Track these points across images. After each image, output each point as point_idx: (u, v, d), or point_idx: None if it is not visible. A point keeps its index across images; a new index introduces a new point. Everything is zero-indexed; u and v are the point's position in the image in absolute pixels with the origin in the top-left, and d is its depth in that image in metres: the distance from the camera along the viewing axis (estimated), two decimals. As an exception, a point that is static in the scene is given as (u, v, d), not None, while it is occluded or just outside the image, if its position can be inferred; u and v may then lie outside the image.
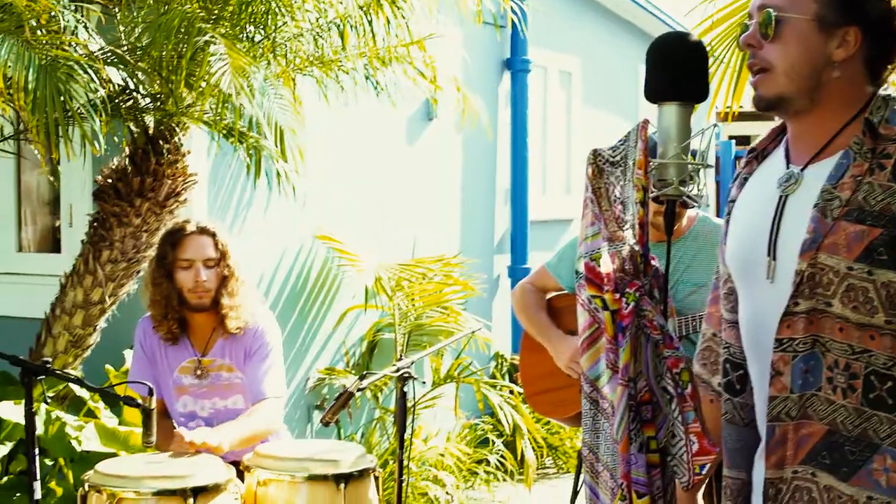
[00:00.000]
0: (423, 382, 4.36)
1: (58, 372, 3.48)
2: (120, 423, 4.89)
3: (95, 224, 4.86)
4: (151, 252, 4.88)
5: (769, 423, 2.20)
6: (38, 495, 3.37)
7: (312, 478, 3.61)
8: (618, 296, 2.35)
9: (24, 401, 3.45)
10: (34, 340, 5.08)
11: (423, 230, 7.30)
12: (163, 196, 4.74)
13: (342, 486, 3.59)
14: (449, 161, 7.71)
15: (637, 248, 2.37)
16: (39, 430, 4.72)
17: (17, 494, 4.68)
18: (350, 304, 6.65)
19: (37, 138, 3.96)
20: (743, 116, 6.76)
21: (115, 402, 5.15)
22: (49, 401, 4.75)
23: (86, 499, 3.46)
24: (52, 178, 5.54)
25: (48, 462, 4.83)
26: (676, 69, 2.37)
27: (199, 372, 4.09)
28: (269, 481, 3.62)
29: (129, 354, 5.14)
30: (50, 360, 3.45)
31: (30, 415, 3.43)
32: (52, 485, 4.73)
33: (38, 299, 5.44)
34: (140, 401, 3.40)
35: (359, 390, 3.67)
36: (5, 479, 4.77)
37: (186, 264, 4.03)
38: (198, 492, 3.38)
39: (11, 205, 5.99)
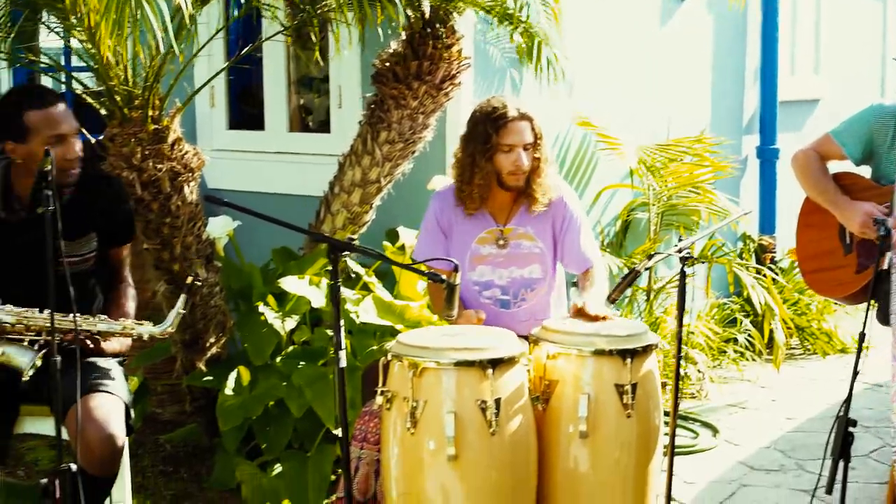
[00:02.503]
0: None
1: (362, 247, 3.67)
2: (395, 297, 5.13)
3: (373, 106, 5.05)
4: (427, 133, 5.08)
5: None
6: (343, 363, 3.61)
7: (598, 352, 3.74)
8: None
9: (327, 276, 3.62)
10: (313, 217, 5.35)
11: (675, 112, 7.29)
12: (439, 79, 4.89)
13: (628, 360, 3.71)
14: (699, 42, 7.65)
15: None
16: (321, 303, 5.01)
17: (301, 363, 4.97)
18: (604, 185, 6.74)
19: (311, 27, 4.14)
20: None
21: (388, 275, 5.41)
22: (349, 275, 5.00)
23: (388, 367, 3.68)
24: (321, 62, 5.76)
25: (329, 333, 5.10)
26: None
27: (500, 242, 4.25)
28: (558, 355, 3.77)
29: (403, 231, 5.36)
30: (354, 237, 3.63)
31: (335, 289, 3.62)
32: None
33: (312, 177, 5.70)
34: (444, 276, 3.58)
35: (646, 269, 3.79)
36: (290, 348, 5.07)
37: (508, 148, 4.16)
38: (496, 363, 3.56)
39: (283, 87, 6.24)
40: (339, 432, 4.75)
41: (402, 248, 5.27)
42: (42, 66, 5.23)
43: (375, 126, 5.00)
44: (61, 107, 3.76)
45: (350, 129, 5.48)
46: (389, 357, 3.66)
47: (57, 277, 3.34)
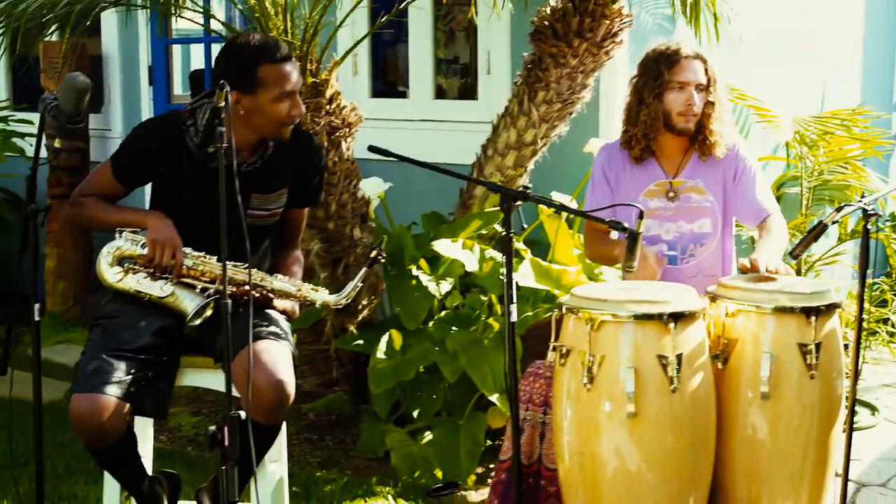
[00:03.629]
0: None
1: (537, 196, 3.54)
2: (551, 262, 5.00)
3: (530, 66, 4.92)
4: (585, 94, 4.93)
5: None
6: (514, 317, 3.48)
7: (781, 310, 3.57)
8: None
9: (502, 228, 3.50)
10: (463, 183, 5.23)
11: (826, 83, 7.05)
12: (600, 36, 4.74)
13: (812, 319, 3.53)
14: (850, 15, 7.39)
15: None
16: (475, 267, 4.90)
17: (454, 329, 4.87)
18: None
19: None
20: None
21: (538, 244, 5.28)
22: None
23: (560, 322, 3.55)
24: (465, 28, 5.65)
25: (482, 298, 5.00)
26: None
27: (670, 194, 4.10)
28: (738, 312, 3.61)
29: (557, 196, 5.20)
30: (530, 185, 3.50)
31: (507, 241, 3.45)
32: (490, 320, 4.90)
33: (458, 146, 5.60)
34: (627, 225, 3.44)
35: (833, 222, 3.62)
36: (443, 313, 4.97)
37: (679, 86, 4.02)
38: (677, 317, 3.41)
39: (429, 54, 6.15)
40: (495, 398, 4.65)
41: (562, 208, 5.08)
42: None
43: (533, 86, 4.87)
44: (293, 62, 3.67)
45: (498, 95, 5.37)
46: (564, 311, 3.53)
47: (239, 229, 3.28)
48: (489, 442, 4.95)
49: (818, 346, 3.53)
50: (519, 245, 5.08)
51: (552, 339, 3.57)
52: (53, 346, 6.94)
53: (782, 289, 3.65)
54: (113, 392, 3.49)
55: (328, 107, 4.44)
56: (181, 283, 3.64)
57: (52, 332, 7.24)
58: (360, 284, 3.73)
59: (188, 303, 3.64)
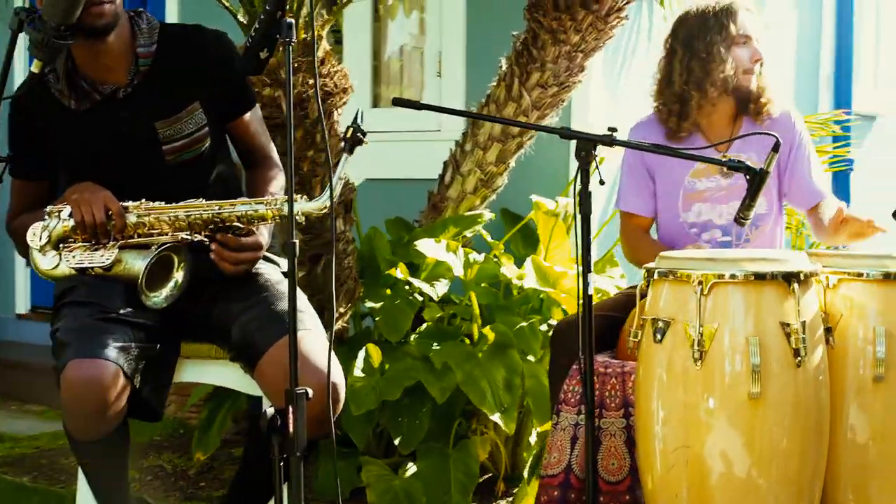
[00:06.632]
0: None
1: (626, 141, 2.99)
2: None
3: (520, 46, 4.38)
4: (581, 78, 4.43)
5: None
6: (591, 289, 2.90)
7: (892, 276, 3.08)
8: None
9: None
10: (436, 185, 4.64)
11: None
12: (605, 10, 4.23)
13: (928, 287, 3.06)
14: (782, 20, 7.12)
15: None
16: (461, 272, 4.30)
17: (437, 343, 4.25)
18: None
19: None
20: None
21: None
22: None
23: (647, 292, 2.98)
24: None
25: (467, 305, 4.39)
26: None
27: (725, 169, 3.56)
28: (840, 282, 3.08)
29: (537, 199, 4.64)
30: (616, 128, 2.93)
31: (585, 196, 2.92)
32: (486, 330, 4.29)
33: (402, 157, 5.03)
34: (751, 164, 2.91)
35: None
36: (425, 325, 4.34)
37: (744, 40, 3.53)
38: (797, 278, 2.86)
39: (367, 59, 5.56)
40: (496, 417, 4.05)
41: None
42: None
43: (526, 67, 4.32)
44: None
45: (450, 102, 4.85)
46: (656, 276, 2.96)
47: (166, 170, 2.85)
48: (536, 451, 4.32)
49: (934, 318, 3.06)
50: (500, 252, 4.53)
51: (637, 314, 2.99)
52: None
53: (890, 253, 3.17)
54: (118, 360, 2.78)
55: (321, 68, 3.80)
56: (130, 247, 2.94)
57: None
58: (342, 178, 2.99)
59: (139, 263, 2.92)
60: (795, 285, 2.85)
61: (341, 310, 4.13)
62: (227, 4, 3.97)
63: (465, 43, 5.19)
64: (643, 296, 3.00)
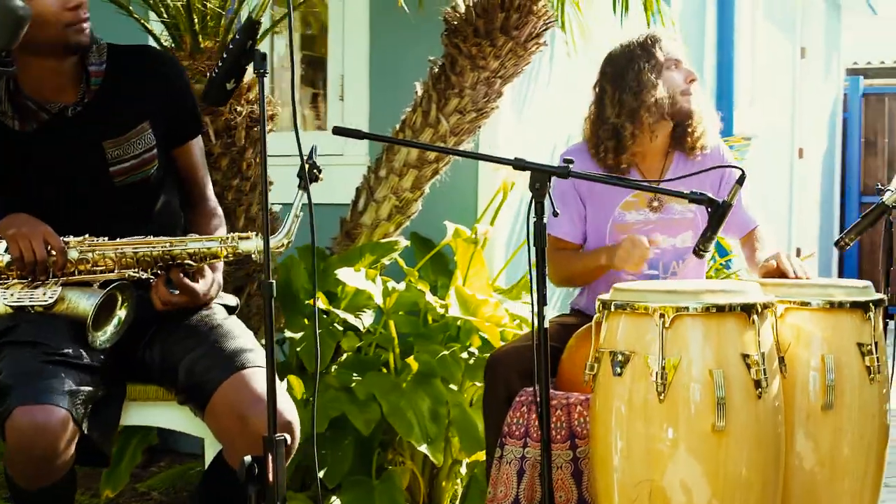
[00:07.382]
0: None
1: (588, 174, 2.96)
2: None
3: (441, 68, 4.33)
4: (497, 104, 4.41)
5: None
6: (547, 323, 2.87)
7: (836, 305, 3.14)
8: None
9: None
10: (348, 212, 4.55)
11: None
12: (524, 36, 4.21)
13: (870, 315, 3.15)
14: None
15: None
16: (379, 300, 4.23)
17: (357, 374, 4.18)
18: None
19: None
20: None
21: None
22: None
23: (602, 324, 2.97)
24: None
25: (390, 334, 4.32)
26: None
27: (654, 203, 3.57)
28: (787, 311, 3.14)
29: (452, 226, 4.58)
30: (572, 159, 2.90)
31: (540, 229, 2.90)
32: (409, 360, 4.22)
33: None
34: (713, 197, 2.91)
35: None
36: (346, 355, 4.25)
37: (675, 63, 3.55)
38: (754, 310, 2.88)
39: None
40: (424, 448, 3.99)
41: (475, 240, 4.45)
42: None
43: (444, 92, 4.27)
44: None
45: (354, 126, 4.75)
46: (613, 308, 2.94)
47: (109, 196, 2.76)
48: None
49: (876, 346, 3.14)
50: (414, 280, 4.46)
51: (593, 346, 2.98)
52: None
53: (833, 282, 3.25)
54: (66, 405, 2.64)
55: (247, 94, 3.69)
56: (72, 284, 2.82)
57: None
58: (299, 215, 2.85)
59: (85, 302, 2.80)
60: (755, 317, 2.87)
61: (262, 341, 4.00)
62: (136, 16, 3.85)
63: (369, 66, 5.11)
64: (598, 327, 2.99)
